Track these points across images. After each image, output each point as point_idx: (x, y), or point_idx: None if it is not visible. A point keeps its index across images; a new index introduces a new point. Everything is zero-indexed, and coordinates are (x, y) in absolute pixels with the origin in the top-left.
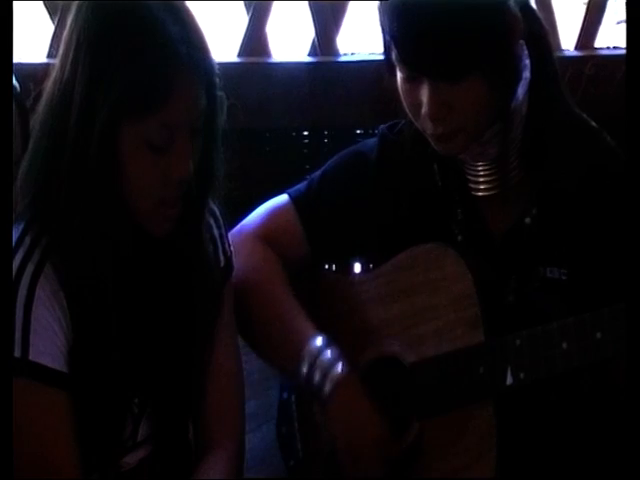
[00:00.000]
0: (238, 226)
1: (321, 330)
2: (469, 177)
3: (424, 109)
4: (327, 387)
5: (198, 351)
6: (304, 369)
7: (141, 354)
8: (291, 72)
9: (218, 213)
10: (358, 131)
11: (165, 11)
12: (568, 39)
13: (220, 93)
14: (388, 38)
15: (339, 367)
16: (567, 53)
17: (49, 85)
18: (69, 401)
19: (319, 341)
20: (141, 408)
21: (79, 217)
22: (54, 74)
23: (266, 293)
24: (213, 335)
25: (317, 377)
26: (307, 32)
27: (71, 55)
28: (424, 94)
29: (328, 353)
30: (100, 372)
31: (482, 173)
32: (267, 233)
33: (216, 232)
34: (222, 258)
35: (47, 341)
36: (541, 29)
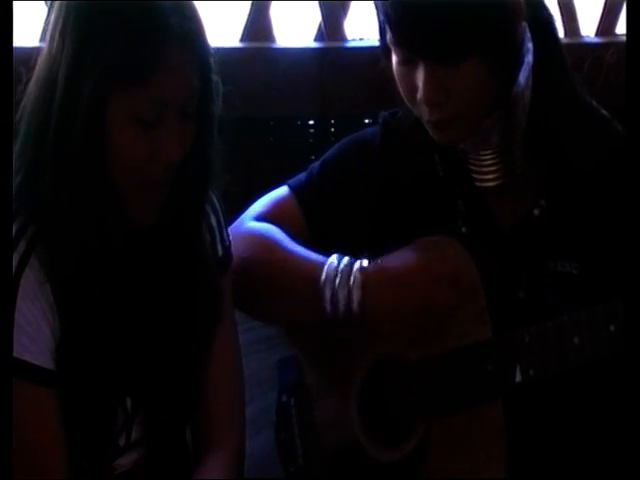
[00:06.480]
0: (238, 220)
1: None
2: (472, 167)
3: (419, 94)
4: (355, 295)
5: (195, 346)
6: (327, 305)
7: (133, 350)
8: (296, 58)
9: (216, 201)
10: (366, 120)
11: None
12: (588, 25)
13: (215, 77)
14: (382, 18)
15: (355, 270)
16: (587, 39)
17: (38, 63)
18: (56, 399)
19: (331, 268)
20: (134, 408)
21: (66, 199)
22: (43, 51)
23: (270, 245)
24: (211, 329)
25: (341, 296)
26: (313, 16)
27: (59, 27)
28: (419, 78)
29: (342, 270)
30: (89, 369)
31: (485, 162)
32: (268, 221)
33: (214, 221)
34: (220, 248)
35: (32, 336)
36: (545, 12)
